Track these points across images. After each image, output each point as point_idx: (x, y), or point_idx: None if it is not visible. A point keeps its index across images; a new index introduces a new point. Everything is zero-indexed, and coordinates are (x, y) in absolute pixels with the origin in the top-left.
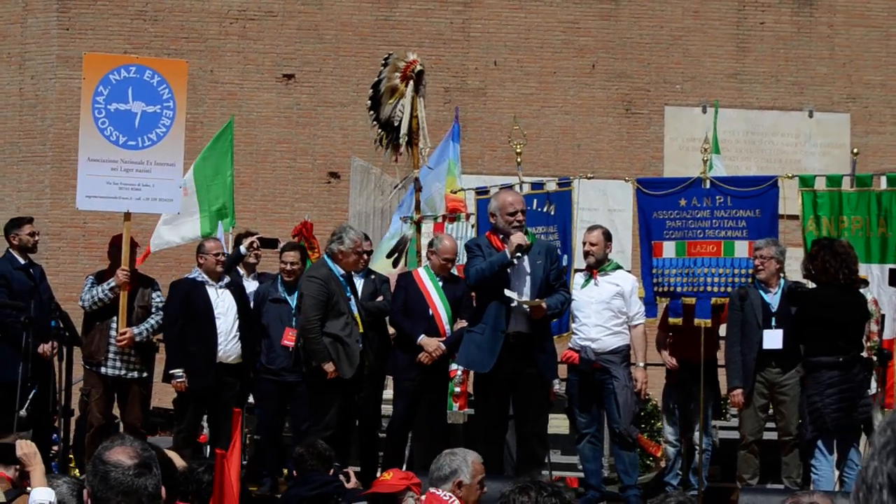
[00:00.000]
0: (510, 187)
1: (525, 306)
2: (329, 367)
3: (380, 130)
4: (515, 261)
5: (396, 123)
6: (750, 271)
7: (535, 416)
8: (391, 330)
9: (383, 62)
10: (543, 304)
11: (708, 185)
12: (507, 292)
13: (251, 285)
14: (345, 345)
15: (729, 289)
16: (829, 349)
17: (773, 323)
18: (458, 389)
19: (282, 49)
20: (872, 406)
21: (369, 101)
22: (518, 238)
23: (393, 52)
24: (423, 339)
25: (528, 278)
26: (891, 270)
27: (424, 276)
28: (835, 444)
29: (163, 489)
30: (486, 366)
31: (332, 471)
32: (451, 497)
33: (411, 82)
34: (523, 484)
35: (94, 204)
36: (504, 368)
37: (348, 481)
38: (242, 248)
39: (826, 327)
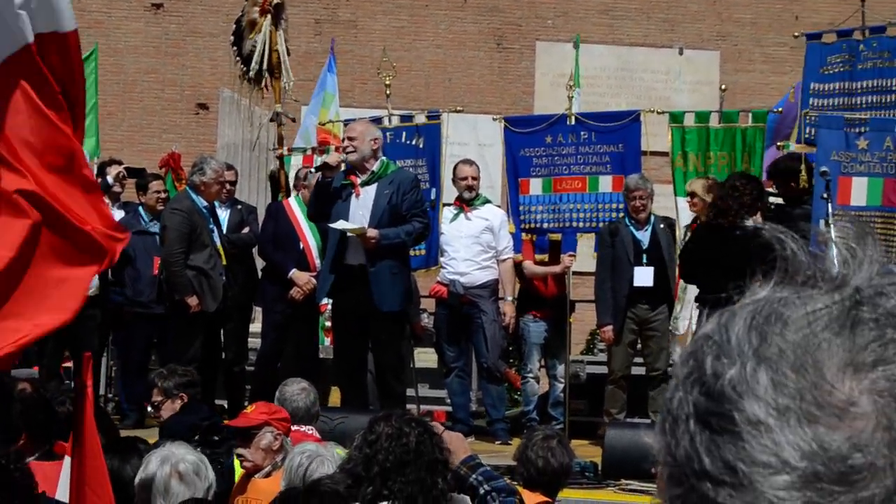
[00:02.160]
0: (378, 120)
1: (350, 234)
2: (193, 300)
3: (242, 66)
4: (314, 171)
5: (256, 60)
6: (620, 206)
7: (382, 349)
8: (259, 261)
9: None
10: (370, 232)
11: (573, 122)
12: (335, 224)
13: (117, 215)
14: (208, 278)
15: (594, 224)
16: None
17: (645, 260)
18: (328, 324)
19: None
20: None
21: (232, 37)
22: (329, 157)
23: None
24: (294, 273)
25: (370, 208)
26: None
27: (295, 207)
28: None
29: None
30: (319, 298)
31: None
32: (312, 431)
33: (269, 15)
34: (386, 413)
35: None
36: (347, 301)
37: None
38: (109, 178)
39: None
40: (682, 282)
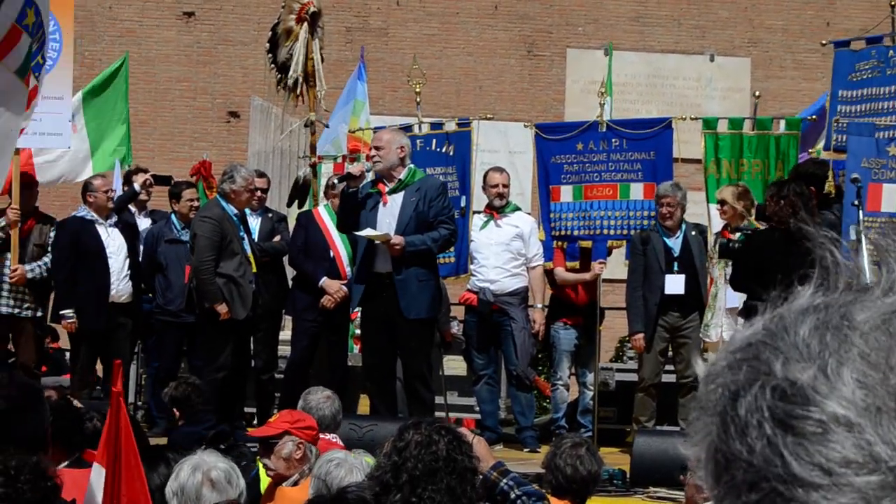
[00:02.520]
0: (409, 127)
1: (376, 241)
2: (222, 308)
3: (277, 73)
4: (337, 183)
5: (290, 66)
6: (652, 214)
7: (410, 357)
8: (290, 270)
9: (283, 4)
10: (394, 239)
11: (604, 129)
12: (360, 232)
13: (143, 223)
14: (238, 285)
15: (625, 231)
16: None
17: (676, 268)
18: (358, 331)
19: None
20: None
21: (268, 44)
22: (352, 167)
23: None
24: (325, 281)
25: (396, 215)
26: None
27: (325, 216)
28: None
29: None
30: (352, 307)
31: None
32: (336, 438)
33: (306, 24)
34: (416, 420)
35: None
36: (376, 309)
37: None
38: (136, 186)
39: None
40: (712, 289)
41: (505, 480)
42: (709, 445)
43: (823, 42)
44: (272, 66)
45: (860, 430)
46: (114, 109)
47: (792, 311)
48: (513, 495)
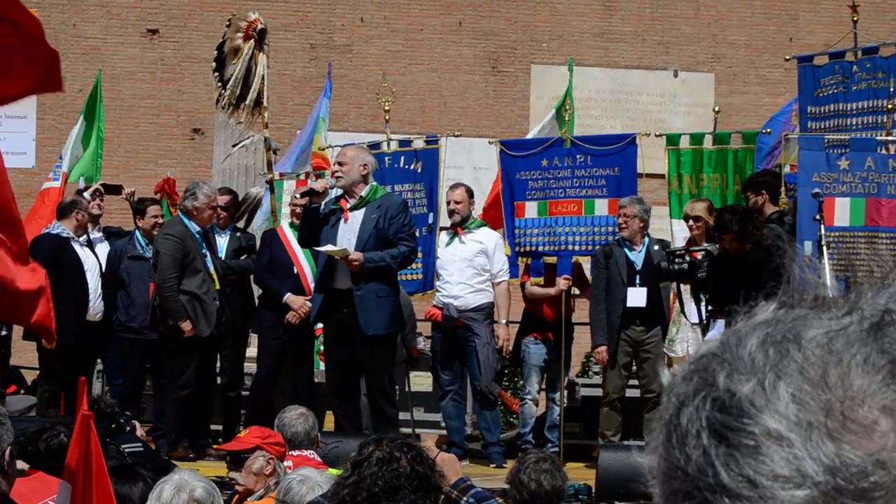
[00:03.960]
0: (377, 145)
1: (336, 256)
2: (186, 325)
3: (223, 91)
4: (299, 198)
5: (236, 84)
6: (612, 229)
7: (371, 373)
8: (256, 289)
9: (227, 23)
10: (352, 255)
11: (569, 145)
12: (320, 247)
13: (96, 236)
14: (202, 303)
15: (590, 247)
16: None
17: (638, 281)
18: (322, 347)
19: (146, 3)
20: None
21: (213, 63)
22: (315, 183)
23: (236, 12)
24: (289, 297)
25: (357, 232)
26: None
27: (289, 234)
28: None
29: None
30: (311, 320)
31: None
32: (314, 455)
33: (253, 41)
34: (378, 437)
35: None
36: (336, 325)
37: (134, 431)
38: (87, 195)
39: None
40: (676, 304)
41: (465, 498)
42: (658, 455)
43: (787, 57)
44: (218, 83)
45: (790, 445)
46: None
47: (748, 326)
48: None
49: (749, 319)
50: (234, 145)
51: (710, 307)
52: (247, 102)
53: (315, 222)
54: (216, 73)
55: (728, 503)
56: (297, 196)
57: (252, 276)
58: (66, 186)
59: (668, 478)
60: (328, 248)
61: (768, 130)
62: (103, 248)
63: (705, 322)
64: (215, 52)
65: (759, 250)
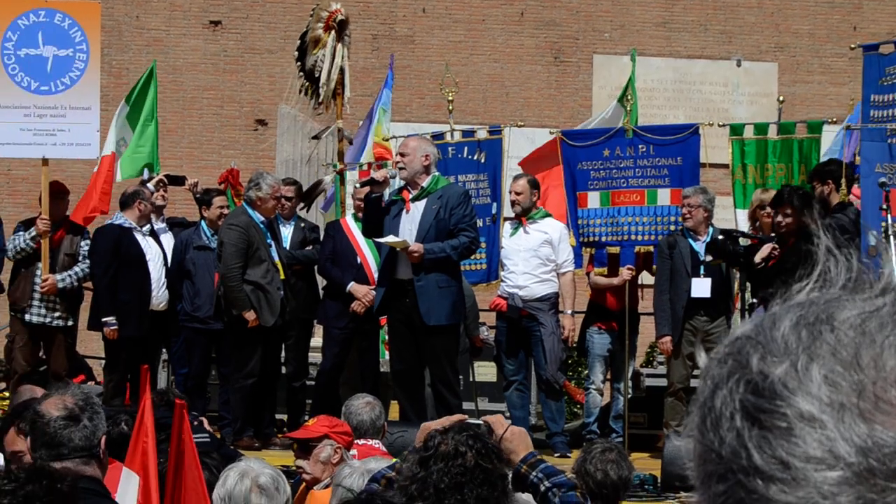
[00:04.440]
0: (440, 135)
1: (396, 247)
2: (250, 315)
3: (304, 81)
4: (359, 188)
5: (317, 74)
6: (675, 219)
7: (434, 363)
8: (321, 279)
9: (311, 12)
10: (412, 246)
11: (631, 135)
12: (381, 238)
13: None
14: (266, 292)
15: (652, 237)
16: None
17: (702, 271)
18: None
19: None
20: None
21: (296, 52)
22: (377, 172)
23: (319, 1)
24: (352, 286)
25: (418, 223)
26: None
27: (352, 225)
28: None
29: (103, 440)
30: (374, 311)
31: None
32: (379, 445)
33: (333, 32)
34: (444, 429)
35: (8, 151)
36: (399, 315)
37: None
38: (150, 185)
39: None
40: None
41: (534, 473)
42: (694, 438)
43: (852, 46)
44: (300, 73)
45: (822, 427)
46: (141, 113)
47: (783, 308)
48: (542, 488)
49: (784, 301)
50: (316, 137)
51: (754, 295)
52: (325, 92)
53: (376, 212)
54: (298, 63)
55: (761, 485)
56: (358, 186)
57: (316, 267)
58: (111, 167)
59: (702, 460)
60: (388, 238)
61: (850, 125)
62: (167, 239)
63: (748, 308)
64: (298, 41)
65: (809, 240)
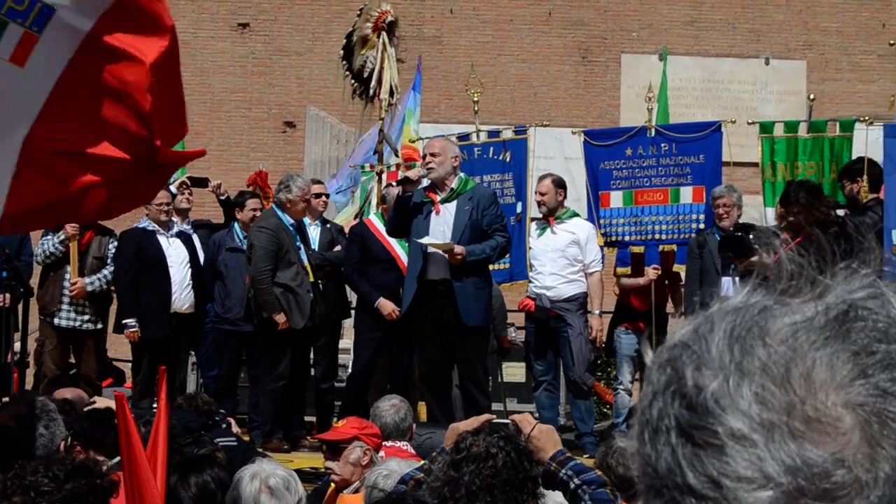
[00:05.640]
0: (466, 136)
1: (436, 249)
2: (280, 317)
3: (353, 81)
4: (393, 190)
5: (366, 75)
6: (701, 217)
7: (468, 364)
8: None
9: (358, 12)
10: (456, 248)
11: (653, 134)
12: (421, 240)
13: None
14: (295, 295)
15: (676, 235)
16: None
17: (732, 269)
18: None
19: None
20: None
21: (342, 51)
22: (410, 172)
23: (367, 1)
24: (380, 302)
25: (451, 224)
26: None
27: (378, 224)
28: None
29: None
30: (402, 312)
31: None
32: (407, 446)
33: (384, 33)
34: (475, 431)
35: None
36: (428, 316)
37: (229, 427)
38: (172, 188)
39: None
40: None
41: (564, 470)
42: (635, 448)
43: (892, 42)
44: (347, 73)
45: (753, 446)
46: None
47: (720, 312)
48: (572, 485)
49: (723, 303)
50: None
51: None
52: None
53: (407, 212)
54: (344, 62)
55: (694, 503)
56: (393, 185)
57: (346, 267)
58: None
59: (642, 472)
60: (431, 240)
61: None
62: (193, 241)
63: None
64: (344, 40)
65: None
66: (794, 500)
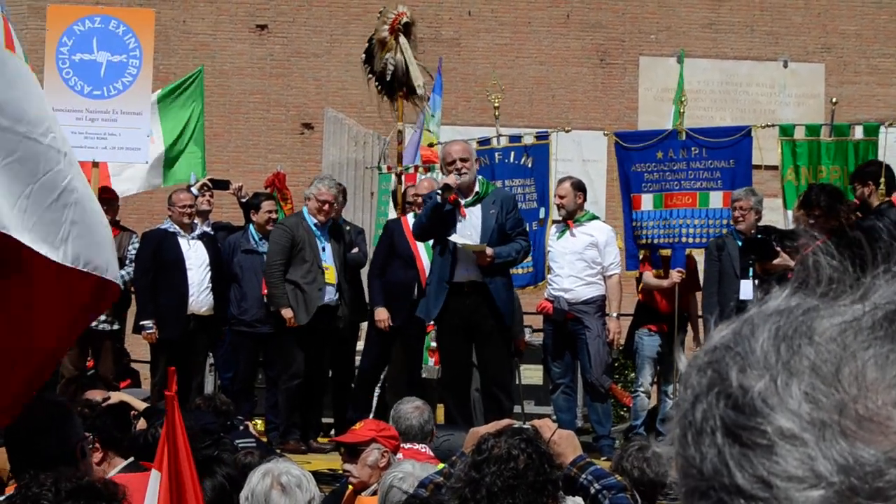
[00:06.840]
0: (487, 140)
1: (469, 250)
2: (287, 312)
3: (377, 84)
4: (439, 198)
5: (388, 77)
6: (727, 221)
7: (493, 365)
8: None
9: (378, 14)
10: (488, 250)
11: (683, 137)
12: (453, 237)
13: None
14: (303, 292)
15: (704, 239)
16: None
17: (751, 273)
18: (433, 344)
19: None
20: None
21: (364, 55)
22: (448, 178)
23: (386, 5)
24: (377, 311)
25: (478, 226)
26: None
27: (412, 223)
28: None
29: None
30: (430, 316)
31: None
32: (426, 449)
33: (402, 35)
34: (496, 432)
35: None
36: (455, 318)
37: (247, 429)
38: (194, 190)
39: None
40: None
41: (584, 475)
42: (675, 451)
43: None
44: (369, 76)
45: (804, 445)
46: (187, 125)
47: (760, 315)
48: (592, 490)
49: (762, 306)
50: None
51: None
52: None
53: (443, 220)
54: (366, 65)
55: None
56: (440, 192)
57: (369, 265)
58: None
59: (684, 475)
60: (465, 241)
61: None
62: (216, 243)
63: None
64: (366, 43)
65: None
66: (847, 500)
